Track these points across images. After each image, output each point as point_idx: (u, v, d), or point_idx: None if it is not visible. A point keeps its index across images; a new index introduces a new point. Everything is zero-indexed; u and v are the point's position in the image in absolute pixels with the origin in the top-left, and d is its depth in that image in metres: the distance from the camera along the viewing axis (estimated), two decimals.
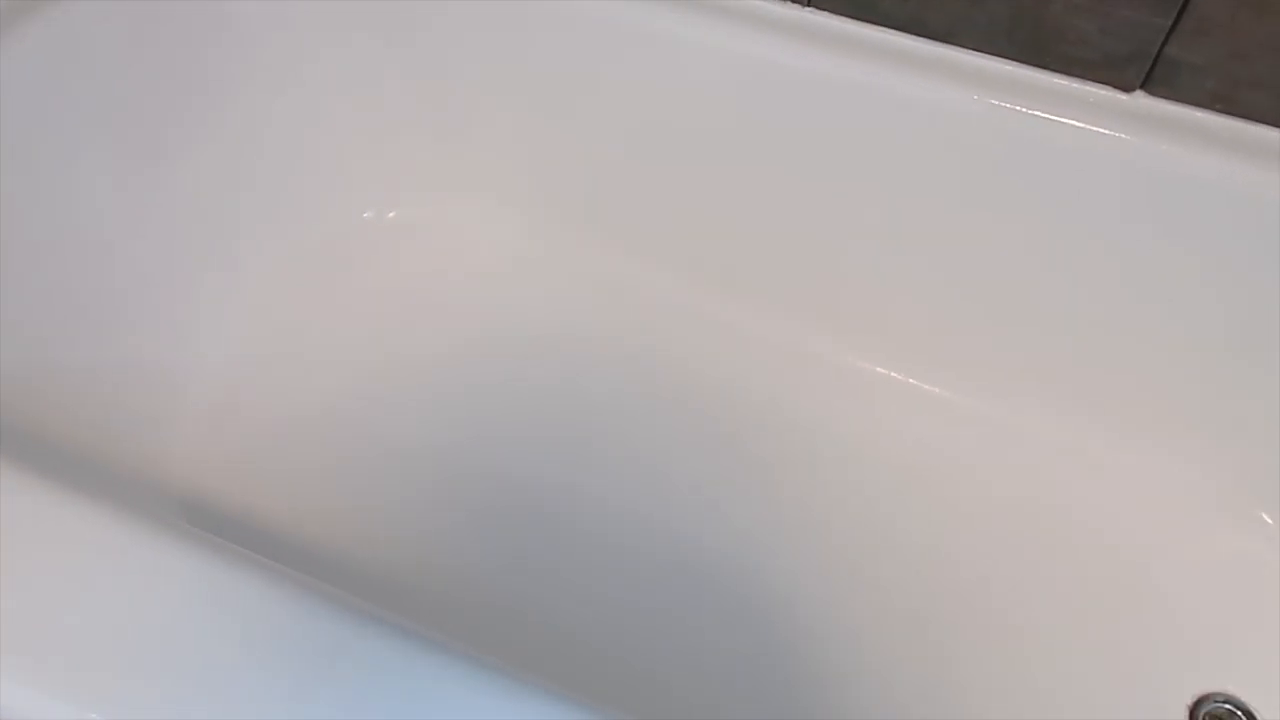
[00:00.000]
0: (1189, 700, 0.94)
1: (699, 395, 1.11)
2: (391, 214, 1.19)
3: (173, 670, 0.57)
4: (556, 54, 1.04)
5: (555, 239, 1.18)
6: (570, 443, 1.07)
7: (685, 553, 1.00)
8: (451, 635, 0.62)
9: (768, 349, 1.13)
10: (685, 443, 1.08)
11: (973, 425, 1.07)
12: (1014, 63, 0.88)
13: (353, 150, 1.15)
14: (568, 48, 1.03)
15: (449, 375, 1.12)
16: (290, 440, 1.06)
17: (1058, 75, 0.87)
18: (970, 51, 0.89)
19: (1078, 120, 0.87)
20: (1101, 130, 0.86)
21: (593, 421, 1.08)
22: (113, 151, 0.96)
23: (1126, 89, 0.86)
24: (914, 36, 0.90)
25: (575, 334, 1.14)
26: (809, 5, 0.93)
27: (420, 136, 1.16)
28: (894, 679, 0.94)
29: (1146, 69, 0.85)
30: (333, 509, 1.01)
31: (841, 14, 0.91)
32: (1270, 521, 0.99)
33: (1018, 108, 0.87)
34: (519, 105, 1.10)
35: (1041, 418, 1.06)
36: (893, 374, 1.09)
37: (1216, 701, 0.94)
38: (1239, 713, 0.94)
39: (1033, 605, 0.99)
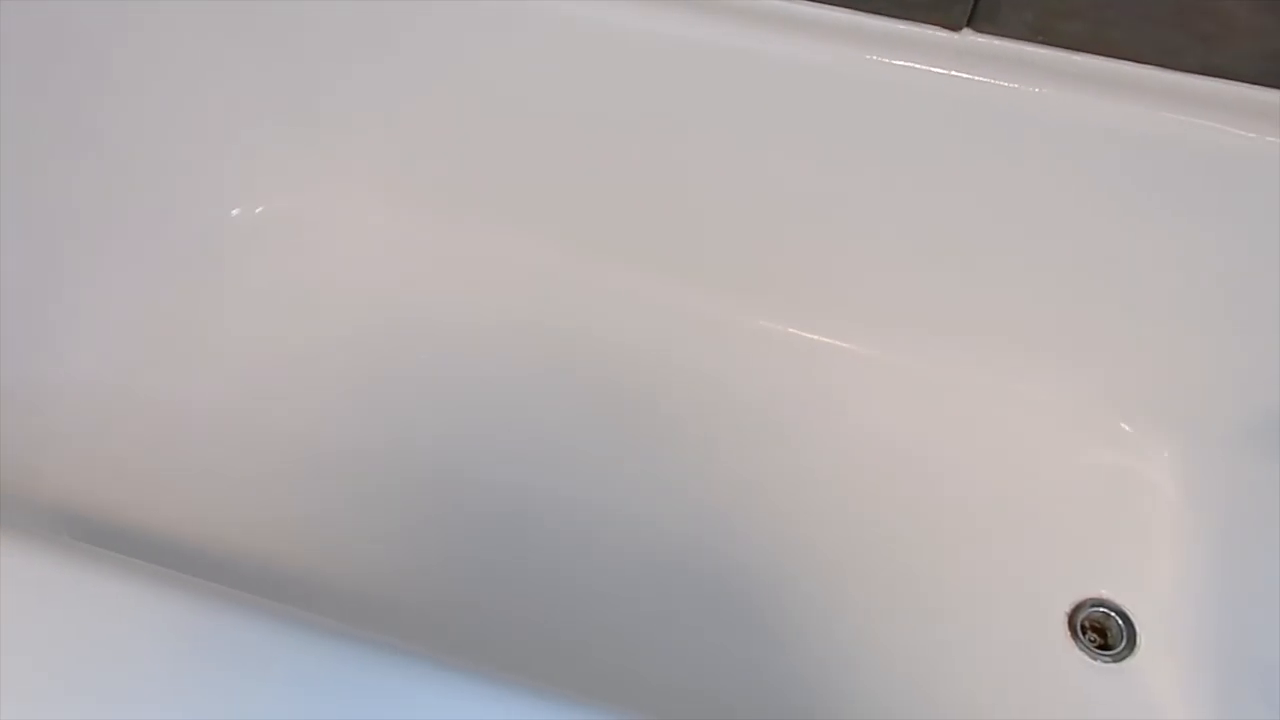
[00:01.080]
0: (1067, 608, 0.99)
1: (593, 363, 1.12)
2: (260, 209, 1.18)
3: (59, 682, 0.57)
4: (411, 36, 1.03)
5: (429, 221, 1.18)
6: (472, 423, 1.08)
7: (595, 521, 1.02)
8: (370, 627, 0.63)
9: (652, 311, 1.15)
10: (587, 411, 1.09)
11: (845, 366, 1.11)
12: (847, 10, 0.90)
13: (214, 149, 1.14)
14: (422, 29, 1.02)
15: (335, 366, 1.12)
16: (175, 446, 1.05)
17: (889, 19, 0.90)
18: (805, 2, 0.91)
19: (913, 61, 0.89)
20: (936, 70, 0.89)
21: (490, 399, 1.10)
22: None
23: (954, 28, 0.89)
24: None
25: (459, 316, 1.15)
26: None
27: (283, 130, 1.15)
28: (793, 612, 0.97)
29: (970, 7, 0.87)
30: (223, 510, 1.01)
31: None
32: (1129, 430, 1.04)
33: (854, 53, 0.89)
34: (379, 91, 1.09)
35: (910, 352, 1.09)
36: (766, 323, 1.12)
37: (1093, 607, 0.99)
38: (1115, 615, 0.99)
39: (916, 533, 1.03)
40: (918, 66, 0.89)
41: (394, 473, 1.04)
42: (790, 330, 1.13)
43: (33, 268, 1.01)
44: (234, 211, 1.17)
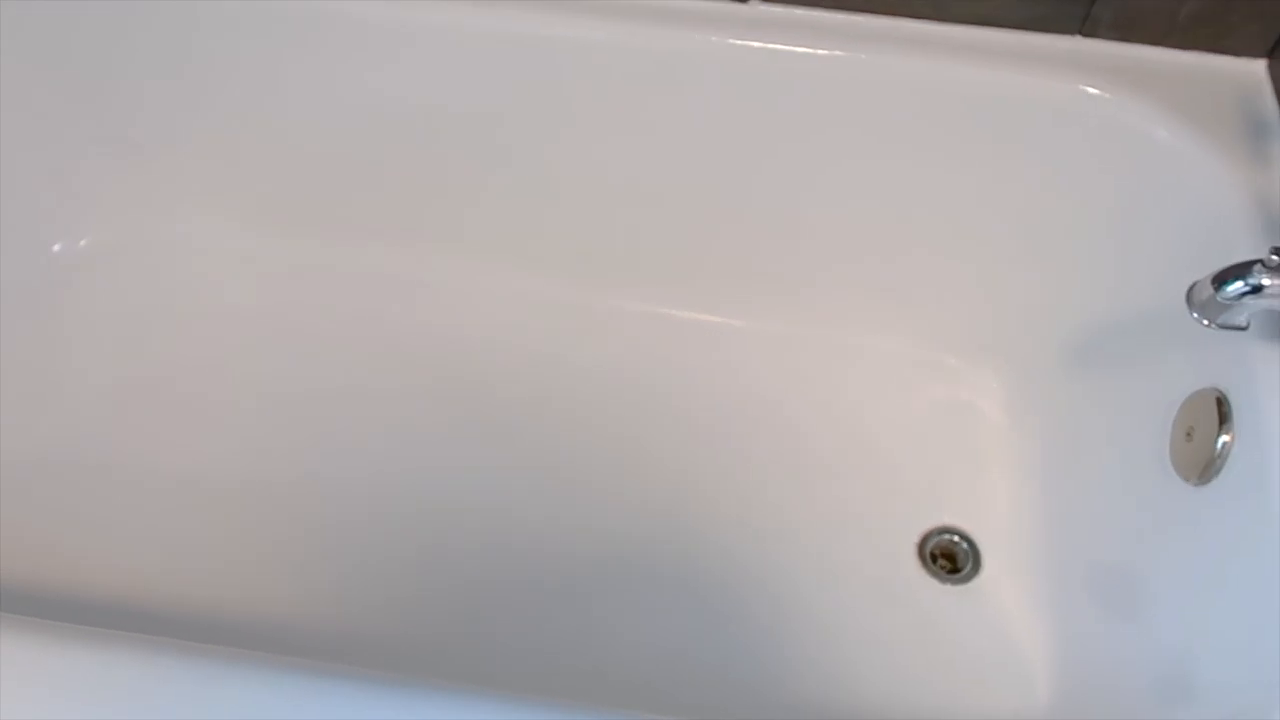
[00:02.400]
0: (916, 538, 1.04)
1: (446, 356, 1.13)
2: (83, 242, 1.15)
3: None
4: (220, 56, 1.02)
5: (258, 238, 1.17)
6: (332, 432, 1.08)
7: (467, 511, 1.04)
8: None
9: (505, 301, 1.16)
10: (444, 407, 1.10)
11: (685, 334, 1.14)
12: None
13: (27, 184, 1.10)
14: (234, 47, 1.02)
15: (183, 391, 1.10)
16: (29, 493, 1.02)
17: None
18: None
19: (709, 34, 0.93)
20: (729, 41, 0.93)
21: (350, 406, 1.10)
22: None
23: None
24: None
25: (301, 329, 1.15)
26: None
27: (99, 159, 1.12)
28: (656, 568, 1.00)
29: None
30: (86, 552, 0.99)
31: None
32: (955, 363, 1.10)
33: (649, 32, 0.92)
34: (195, 113, 1.08)
35: (745, 316, 1.14)
36: (619, 303, 1.15)
37: (941, 534, 1.05)
38: (961, 540, 1.05)
39: (778, 482, 1.07)
40: (713, 39, 0.93)
41: (262, 489, 1.03)
42: (646, 308, 1.16)
43: None
44: (55, 247, 1.14)
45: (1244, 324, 0.70)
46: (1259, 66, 0.92)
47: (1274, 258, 0.65)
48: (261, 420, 1.08)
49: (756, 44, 0.93)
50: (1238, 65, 0.91)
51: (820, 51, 0.93)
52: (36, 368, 1.09)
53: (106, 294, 1.15)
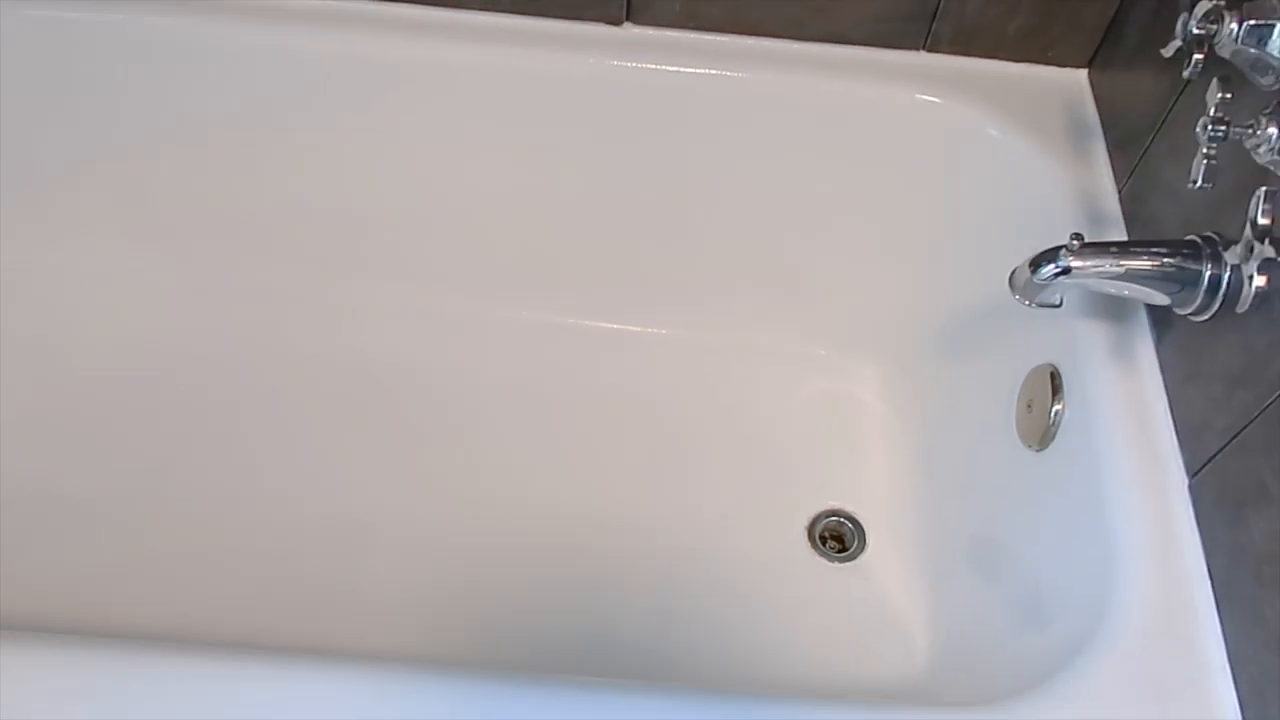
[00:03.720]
0: (805, 522, 1.12)
1: (346, 373, 1.17)
2: None
3: None
4: (114, 88, 1.06)
5: (158, 264, 1.20)
6: (219, 449, 1.11)
7: (375, 521, 1.08)
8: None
9: (404, 318, 1.21)
10: (336, 416, 1.14)
11: (585, 340, 1.21)
12: (515, 15, 1.00)
13: None
14: (115, 74, 1.05)
15: (95, 418, 1.12)
16: None
17: (555, 20, 1.00)
18: (479, 12, 1.00)
19: (581, 55, 1.00)
20: (605, 61, 1.00)
21: (246, 420, 1.13)
22: None
23: (615, 22, 1.01)
24: (429, 6, 1.00)
25: (209, 349, 1.18)
26: None
27: (7, 194, 1.15)
28: (558, 560, 1.06)
29: (626, 2, 0.99)
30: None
31: None
32: (833, 356, 1.19)
33: (525, 54, 0.99)
34: (89, 146, 1.11)
35: (640, 323, 1.20)
36: (517, 314, 1.21)
37: (828, 517, 1.12)
38: (847, 521, 1.12)
39: (672, 477, 1.13)
40: (591, 60, 1.00)
41: (182, 505, 1.06)
42: (545, 318, 1.21)
43: None
44: None
45: (1058, 302, 0.79)
46: (1081, 75, 1.02)
47: (1074, 242, 0.74)
48: (169, 442, 1.11)
49: (631, 64, 1.00)
50: (1062, 74, 1.01)
51: (692, 70, 1.00)
52: None
53: (12, 324, 1.17)
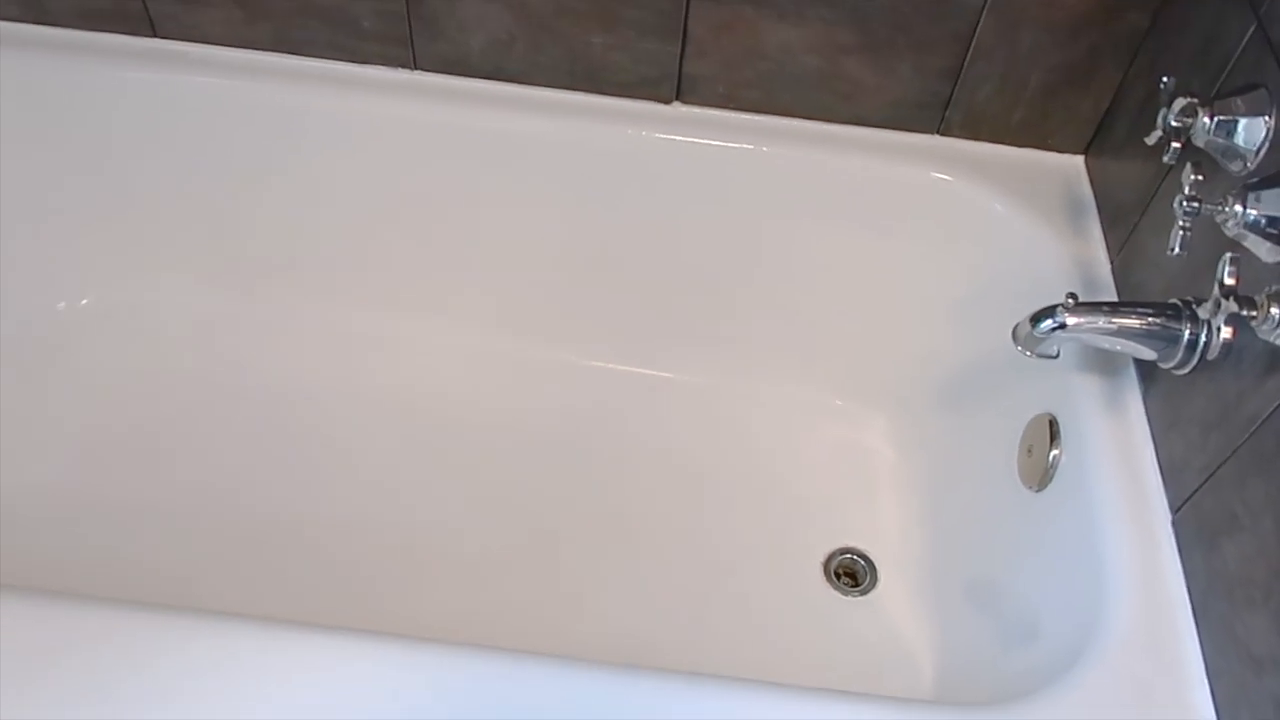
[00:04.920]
0: (821, 559, 1.21)
1: (404, 407, 1.27)
2: (84, 301, 1.29)
3: None
4: (203, 137, 1.18)
5: (242, 302, 1.31)
6: (290, 468, 1.21)
7: (419, 542, 1.17)
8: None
9: (446, 353, 1.31)
10: (406, 448, 1.24)
11: (617, 384, 1.31)
12: (579, 92, 1.13)
13: (30, 248, 1.24)
14: (213, 129, 1.17)
15: (171, 435, 1.22)
16: (23, 514, 1.13)
17: (613, 98, 1.13)
18: (544, 88, 1.13)
19: (636, 130, 1.12)
20: (655, 135, 1.12)
21: (309, 443, 1.23)
22: None
23: (666, 101, 1.13)
24: (500, 82, 1.13)
25: (283, 384, 1.28)
26: (415, 68, 1.14)
27: (101, 228, 1.26)
28: (610, 588, 1.15)
29: (676, 85, 1.12)
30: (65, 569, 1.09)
31: (440, 71, 1.13)
32: (848, 406, 1.29)
33: (588, 126, 1.11)
34: (184, 187, 1.23)
35: (670, 369, 1.31)
36: (559, 355, 1.32)
37: (842, 554, 1.21)
38: (859, 559, 1.21)
39: (695, 517, 1.22)
40: (643, 134, 1.12)
41: (239, 525, 1.16)
42: (578, 361, 1.32)
43: None
44: (60, 305, 1.27)
45: (1055, 354, 0.89)
46: (1078, 160, 1.14)
47: (1070, 300, 0.85)
48: (237, 461, 1.21)
49: (679, 138, 1.13)
50: (1061, 159, 1.14)
51: (731, 145, 1.12)
52: (26, 413, 1.21)
53: (99, 349, 1.28)
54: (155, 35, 1.14)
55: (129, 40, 1.15)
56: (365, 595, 1.11)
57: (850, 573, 1.20)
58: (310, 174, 1.18)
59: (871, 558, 1.21)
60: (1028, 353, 0.89)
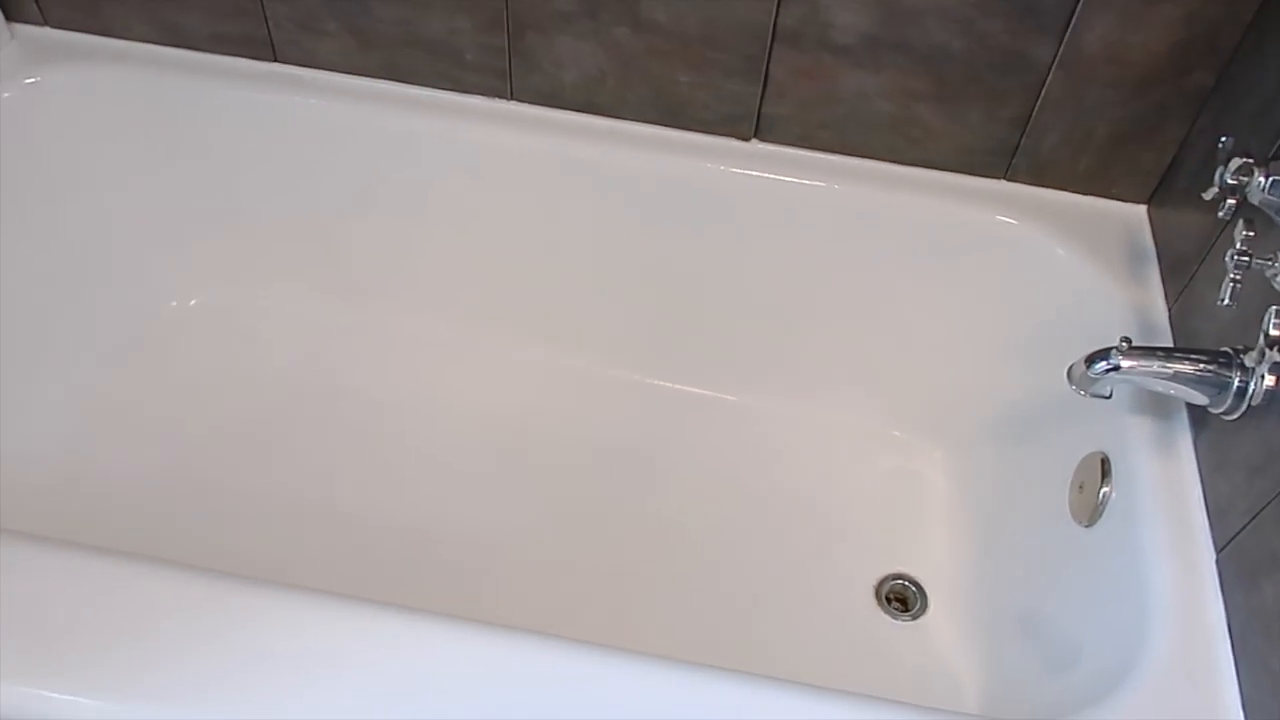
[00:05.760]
0: (874, 583, 1.25)
1: (486, 418, 1.35)
2: (193, 301, 1.39)
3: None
4: (313, 154, 1.27)
5: (341, 309, 1.40)
6: (376, 469, 1.29)
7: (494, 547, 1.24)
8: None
9: (530, 370, 1.39)
10: (487, 456, 1.31)
11: (681, 404, 1.37)
12: (663, 127, 1.20)
13: (148, 249, 1.35)
14: (323, 148, 1.27)
15: (264, 432, 1.31)
16: (129, 499, 1.22)
17: (695, 133, 1.20)
18: (631, 122, 1.21)
19: (715, 164, 1.19)
20: (733, 170, 1.19)
21: (395, 448, 1.31)
22: None
23: (745, 138, 1.20)
24: (590, 115, 1.21)
25: (375, 389, 1.37)
26: (511, 99, 1.22)
27: (210, 233, 1.37)
28: (668, 596, 1.21)
29: (754, 123, 1.19)
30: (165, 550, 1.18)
31: (535, 103, 1.21)
32: (905, 437, 1.34)
33: (671, 159, 1.18)
34: (292, 199, 1.33)
35: (734, 392, 1.37)
36: (626, 374, 1.39)
37: (894, 580, 1.26)
38: (911, 585, 1.25)
39: (751, 535, 1.28)
40: (721, 168, 1.19)
41: (324, 519, 1.24)
42: (649, 381, 1.39)
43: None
44: (171, 303, 1.38)
45: (1108, 394, 0.94)
46: (1140, 210, 1.18)
47: (1124, 344, 0.89)
48: (326, 460, 1.29)
49: (755, 173, 1.19)
50: (1124, 208, 1.18)
51: (805, 181, 1.18)
52: (132, 404, 1.31)
53: (204, 347, 1.38)
54: (276, 60, 1.24)
55: (252, 64, 1.25)
56: (435, 590, 1.18)
57: (901, 598, 1.25)
58: (411, 193, 1.27)
59: (923, 584, 1.25)
60: (1082, 392, 0.94)
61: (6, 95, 1.18)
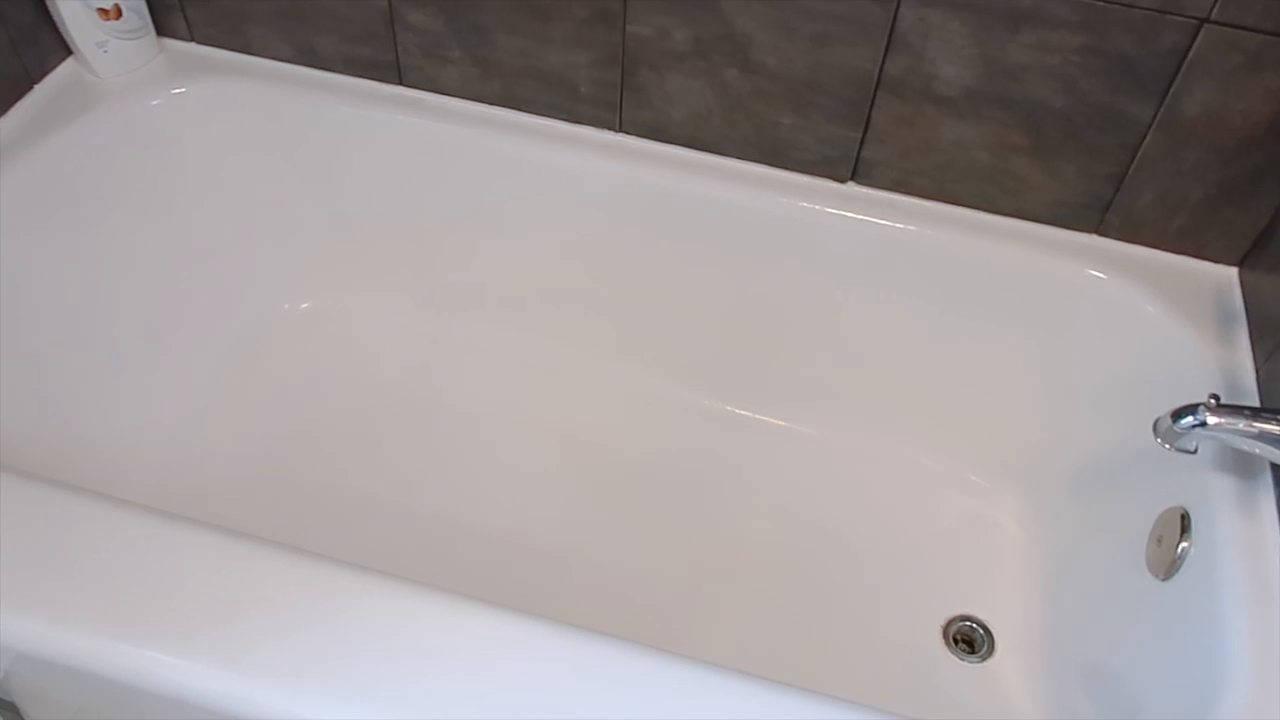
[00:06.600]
0: (941, 623, 1.27)
1: (554, 431, 1.40)
2: (304, 305, 1.47)
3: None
4: (428, 174, 1.35)
5: (442, 321, 1.47)
6: (460, 476, 1.35)
7: (568, 560, 1.29)
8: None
9: (611, 391, 1.44)
10: (563, 471, 1.37)
11: (759, 434, 1.41)
12: (763, 165, 1.25)
13: (267, 253, 1.43)
14: (438, 169, 1.34)
15: (360, 432, 1.38)
16: (223, 498, 1.29)
17: (793, 173, 1.24)
18: (733, 159, 1.26)
19: (811, 204, 1.23)
20: (828, 210, 1.23)
21: (481, 458, 1.37)
22: (82, 263, 1.22)
23: (842, 180, 1.24)
24: (694, 150, 1.26)
25: (465, 399, 1.43)
26: (620, 131, 1.28)
27: (324, 242, 1.45)
28: (736, 616, 1.24)
29: (853, 166, 1.23)
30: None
31: (642, 136, 1.27)
32: (981, 482, 1.35)
33: (769, 197, 1.23)
34: (403, 215, 1.41)
35: (820, 425, 1.40)
36: (703, 400, 1.43)
37: (961, 621, 1.27)
38: (978, 627, 1.27)
39: (820, 570, 1.30)
40: (817, 208, 1.23)
41: (405, 520, 1.30)
42: (730, 408, 1.43)
43: (120, 344, 1.28)
44: (284, 305, 1.46)
45: (1193, 449, 0.95)
46: (1232, 272, 1.19)
47: (1212, 400, 0.91)
48: (412, 463, 1.35)
49: (850, 214, 1.23)
50: (1216, 269, 1.19)
51: (898, 225, 1.22)
52: (244, 397, 1.39)
53: (310, 349, 1.45)
54: (401, 83, 1.32)
55: (378, 85, 1.33)
56: (510, 595, 1.23)
57: (968, 639, 1.26)
58: (515, 216, 1.34)
59: (990, 627, 1.27)
60: (1167, 445, 0.95)
61: (156, 103, 1.28)
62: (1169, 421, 0.94)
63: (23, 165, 1.16)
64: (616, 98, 1.24)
